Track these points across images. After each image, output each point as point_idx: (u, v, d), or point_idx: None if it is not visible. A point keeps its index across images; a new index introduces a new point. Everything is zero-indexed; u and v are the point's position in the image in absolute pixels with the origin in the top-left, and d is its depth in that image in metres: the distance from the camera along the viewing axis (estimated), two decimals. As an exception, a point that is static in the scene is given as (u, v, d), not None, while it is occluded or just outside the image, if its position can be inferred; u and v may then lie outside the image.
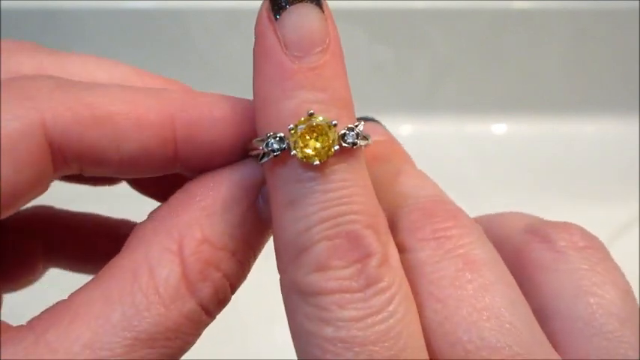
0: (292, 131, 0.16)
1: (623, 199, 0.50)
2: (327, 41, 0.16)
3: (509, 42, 0.52)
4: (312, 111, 0.16)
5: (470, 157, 0.53)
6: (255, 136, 0.17)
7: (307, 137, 0.16)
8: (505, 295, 0.17)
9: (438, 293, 0.16)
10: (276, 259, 0.17)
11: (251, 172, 0.18)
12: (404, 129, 0.55)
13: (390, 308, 0.15)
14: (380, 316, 0.15)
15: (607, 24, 0.52)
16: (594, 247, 0.19)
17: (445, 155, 0.54)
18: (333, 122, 0.16)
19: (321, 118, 0.16)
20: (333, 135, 0.16)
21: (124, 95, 0.17)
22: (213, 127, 0.17)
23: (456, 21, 0.52)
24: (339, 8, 0.52)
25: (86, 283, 0.16)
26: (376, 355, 0.15)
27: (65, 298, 0.16)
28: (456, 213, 0.18)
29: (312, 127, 0.16)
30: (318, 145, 0.16)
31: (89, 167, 0.17)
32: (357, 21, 0.51)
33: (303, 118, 0.16)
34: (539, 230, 0.19)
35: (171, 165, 0.18)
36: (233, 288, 0.18)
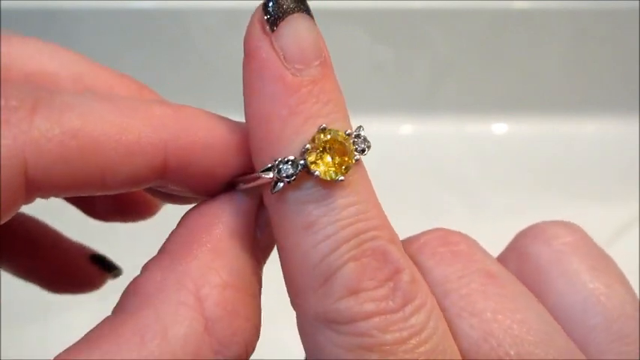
0: (309, 150, 0.14)
1: (623, 199, 0.49)
2: (324, 54, 0.15)
3: (509, 42, 0.52)
4: (324, 125, 0.15)
5: (470, 157, 0.53)
6: (247, 164, 0.16)
7: (323, 154, 0.15)
8: (532, 307, 0.16)
9: (471, 308, 0.16)
10: (292, 292, 0.15)
11: (245, 201, 0.16)
12: (404, 129, 0.55)
13: (431, 324, 0.14)
14: (424, 335, 0.14)
15: (607, 24, 0.52)
16: (584, 239, 0.18)
17: (445, 155, 0.54)
18: (347, 132, 0.15)
19: (338, 131, 0.15)
20: (350, 146, 0.15)
21: (111, 116, 0.15)
22: (206, 155, 0.16)
23: (456, 21, 0.52)
24: (340, 8, 0.52)
25: (76, 346, 0.14)
26: None
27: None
28: (457, 231, 0.18)
29: (330, 141, 0.15)
30: (337, 159, 0.15)
31: (66, 195, 0.15)
32: (357, 21, 0.51)
33: (317, 134, 0.15)
34: (528, 234, 0.19)
35: (152, 183, 0.16)
36: (258, 338, 0.15)
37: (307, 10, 0.15)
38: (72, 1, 0.50)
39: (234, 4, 0.50)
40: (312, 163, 0.14)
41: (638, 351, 0.16)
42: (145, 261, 0.16)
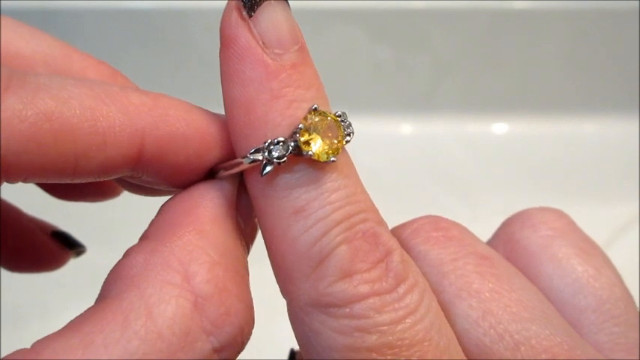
0: (301, 130, 0.14)
1: (623, 199, 0.49)
2: (301, 40, 0.15)
3: (509, 42, 0.52)
4: (315, 106, 0.15)
5: (470, 157, 0.53)
6: (224, 157, 0.16)
7: (314, 135, 0.15)
8: (526, 287, 0.16)
9: (468, 288, 0.16)
10: (282, 280, 0.15)
11: (225, 187, 0.16)
12: (404, 129, 0.55)
13: (425, 303, 0.15)
14: (419, 314, 0.14)
15: (607, 24, 0.52)
16: (571, 225, 0.19)
17: (445, 155, 0.53)
18: (337, 114, 0.15)
19: (329, 113, 0.15)
20: (340, 128, 0.15)
21: (88, 101, 0.14)
22: (183, 147, 0.15)
23: (456, 21, 0.52)
24: (339, 8, 0.52)
25: (55, 333, 0.13)
26: (428, 354, 0.14)
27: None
28: (447, 218, 0.18)
29: (320, 123, 0.15)
30: (327, 141, 0.15)
31: (34, 181, 0.14)
32: (357, 21, 0.51)
33: (308, 114, 0.14)
34: (516, 220, 0.19)
35: (124, 173, 0.15)
36: (253, 324, 0.15)
37: None
38: (72, 1, 0.50)
39: (234, 4, 0.50)
40: (304, 143, 0.14)
41: (628, 331, 0.17)
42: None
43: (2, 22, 0.17)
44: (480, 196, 0.51)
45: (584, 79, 0.54)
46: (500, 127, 0.55)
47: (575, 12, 0.51)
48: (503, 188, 0.51)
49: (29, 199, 0.24)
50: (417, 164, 0.53)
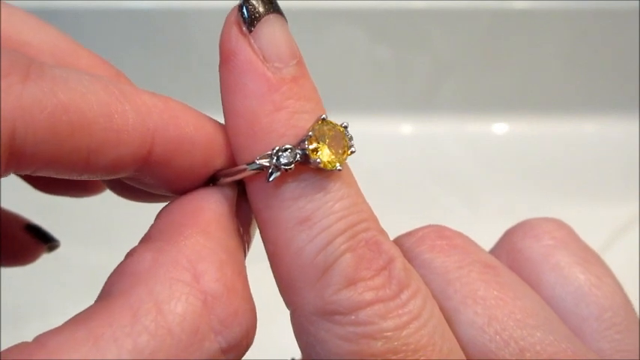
0: (310, 138, 0.15)
1: (623, 199, 0.49)
2: (298, 54, 0.16)
3: (509, 42, 0.52)
4: (324, 115, 0.15)
5: (470, 157, 0.53)
6: (228, 164, 0.16)
7: (322, 144, 0.15)
8: (530, 295, 0.17)
9: (473, 295, 0.16)
10: (286, 289, 0.15)
11: (226, 192, 0.16)
12: (404, 129, 0.55)
13: (428, 308, 0.15)
14: (422, 319, 0.15)
15: (607, 24, 0.52)
16: (571, 234, 0.19)
17: (445, 155, 0.54)
18: (344, 124, 0.15)
19: (336, 123, 0.15)
20: (346, 139, 0.15)
21: (104, 97, 0.14)
22: (190, 151, 0.15)
23: (456, 21, 0.52)
24: (339, 8, 0.52)
25: (57, 328, 0.13)
26: (433, 358, 0.14)
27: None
28: (449, 227, 0.18)
29: (328, 132, 0.15)
30: (333, 150, 0.15)
31: (43, 174, 0.14)
32: (357, 21, 0.51)
33: (316, 124, 0.15)
34: (518, 230, 0.19)
35: (130, 173, 0.15)
36: (256, 328, 0.15)
37: (280, 11, 0.16)
38: (72, 1, 0.50)
39: (234, 4, 0.50)
40: (312, 151, 0.15)
41: (629, 338, 0.17)
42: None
43: (11, 11, 0.17)
44: (480, 196, 0.51)
45: (584, 79, 0.54)
46: (500, 127, 0.55)
47: (575, 12, 0.51)
48: (503, 188, 0.51)
49: (26, 200, 0.24)
50: (417, 164, 0.53)
